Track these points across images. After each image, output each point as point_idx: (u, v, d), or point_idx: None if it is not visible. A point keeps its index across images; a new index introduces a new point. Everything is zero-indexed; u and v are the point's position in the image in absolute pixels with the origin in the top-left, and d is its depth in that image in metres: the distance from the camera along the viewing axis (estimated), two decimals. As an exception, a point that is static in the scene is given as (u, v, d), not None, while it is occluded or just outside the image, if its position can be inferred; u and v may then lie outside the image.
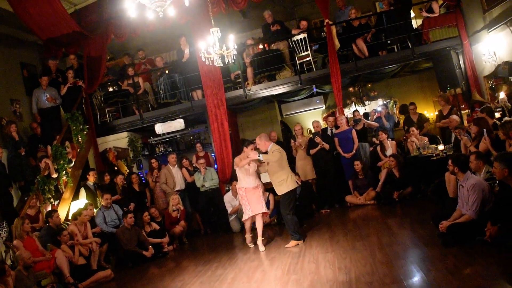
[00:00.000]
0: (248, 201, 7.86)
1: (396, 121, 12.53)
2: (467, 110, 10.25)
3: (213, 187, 10.38)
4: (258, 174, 8.11)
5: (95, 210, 9.61)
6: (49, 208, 9.31)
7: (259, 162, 7.81)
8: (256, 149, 7.83)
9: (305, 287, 5.27)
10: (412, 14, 12.29)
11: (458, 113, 9.83)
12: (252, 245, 7.99)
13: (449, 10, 11.07)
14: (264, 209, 7.92)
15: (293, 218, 7.58)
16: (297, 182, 7.77)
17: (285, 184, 7.55)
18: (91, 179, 10.29)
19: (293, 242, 7.44)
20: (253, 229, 8.30)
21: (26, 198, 9.40)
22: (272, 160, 7.52)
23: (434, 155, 8.66)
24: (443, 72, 10.67)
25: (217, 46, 8.46)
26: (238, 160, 7.89)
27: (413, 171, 9.27)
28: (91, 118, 11.73)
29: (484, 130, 7.07)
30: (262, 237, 7.82)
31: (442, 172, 7.36)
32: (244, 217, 8.01)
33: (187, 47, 11.97)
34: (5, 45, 11.28)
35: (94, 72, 11.86)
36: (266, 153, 7.65)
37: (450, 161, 6.03)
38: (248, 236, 8.22)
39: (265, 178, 8.95)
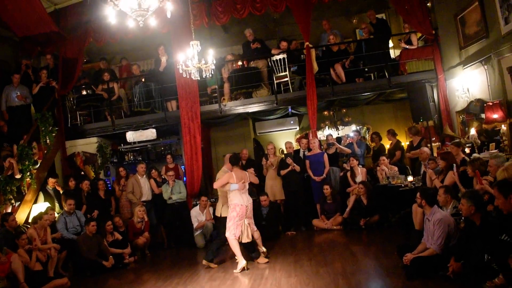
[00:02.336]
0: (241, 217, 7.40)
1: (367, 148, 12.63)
2: (437, 143, 10.40)
3: (180, 200, 10.25)
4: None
5: (56, 215, 9.36)
6: (9, 209, 9.03)
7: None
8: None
9: (265, 311, 5.19)
10: (391, 44, 12.50)
11: (429, 145, 9.95)
12: (238, 271, 7.18)
13: (427, 43, 11.31)
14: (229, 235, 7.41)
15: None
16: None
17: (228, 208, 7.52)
18: (51, 184, 10.04)
19: (241, 264, 7.23)
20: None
21: (-15, 198, 9.10)
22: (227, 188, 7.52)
23: (402, 185, 8.73)
24: (417, 104, 10.83)
25: (196, 59, 8.40)
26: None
27: (381, 200, 9.31)
28: (61, 120, 11.49)
29: (454, 165, 7.16)
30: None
31: (409, 203, 7.39)
32: (235, 235, 7.39)
33: (165, 56, 11.88)
34: (-22, 39, 11.02)
35: (69, 74, 11.65)
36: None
37: (418, 194, 6.06)
38: (240, 262, 7.27)
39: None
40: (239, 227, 7.36)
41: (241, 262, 7.22)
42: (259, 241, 7.74)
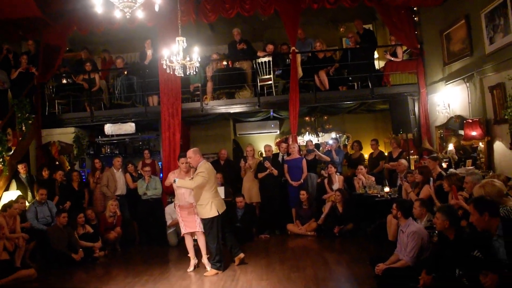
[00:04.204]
0: (182, 218, 7.50)
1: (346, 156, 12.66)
2: (415, 156, 10.48)
3: (155, 197, 10.12)
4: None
5: (27, 204, 9.17)
6: (-21, 195, 8.83)
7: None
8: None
9: (234, 314, 5.14)
10: (376, 55, 12.57)
11: (407, 157, 10.03)
12: (191, 269, 7.35)
13: (412, 57, 11.42)
14: (198, 229, 7.34)
15: (217, 246, 7.06)
16: (217, 212, 7.07)
17: (204, 208, 7.03)
18: (22, 171, 9.84)
19: (212, 271, 7.04)
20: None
21: (-45, 182, 8.87)
22: (188, 187, 7.08)
23: (379, 195, 8.77)
24: (397, 116, 10.93)
25: (180, 55, 8.31)
26: (169, 175, 7.66)
27: (357, 209, 9.35)
28: (39, 108, 11.20)
29: (431, 178, 7.22)
30: (207, 254, 7.32)
31: (384, 213, 7.45)
32: (182, 232, 7.69)
33: (151, 50, 11.76)
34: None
35: (50, 62, 11.38)
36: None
37: (394, 205, 6.07)
38: (192, 260, 7.48)
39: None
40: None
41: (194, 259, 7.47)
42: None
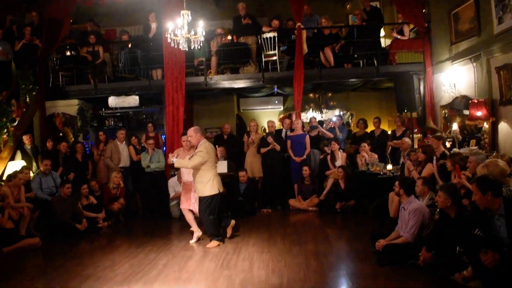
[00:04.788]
0: (182, 194, 7.76)
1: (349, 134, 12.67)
2: (419, 135, 10.49)
3: (159, 170, 10.17)
4: None
5: (32, 174, 9.24)
6: (-16, 165, 8.90)
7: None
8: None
9: (236, 285, 5.22)
10: (382, 33, 12.47)
11: (411, 136, 10.03)
12: (194, 241, 7.39)
13: (418, 36, 11.33)
14: (192, 207, 7.46)
15: (212, 220, 7.11)
16: (218, 190, 7.14)
17: (204, 186, 7.02)
18: (27, 142, 9.90)
19: (214, 243, 7.08)
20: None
21: (-41, 151, 8.93)
22: (186, 167, 7.14)
23: (381, 173, 8.80)
24: (402, 95, 10.85)
25: (185, 29, 8.25)
26: (169, 155, 7.64)
27: (359, 186, 9.40)
28: (42, 80, 11.17)
29: (434, 157, 7.24)
30: (197, 230, 7.50)
31: (386, 191, 7.48)
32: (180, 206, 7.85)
33: (155, 23, 11.68)
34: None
35: (54, 34, 11.29)
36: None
37: (397, 183, 6.11)
38: (196, 233, 7.50)
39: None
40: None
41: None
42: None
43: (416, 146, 9.80)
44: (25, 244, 7.47)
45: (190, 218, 7.59)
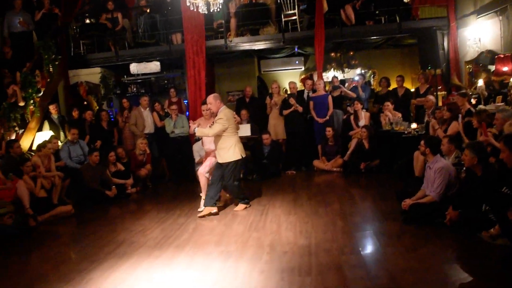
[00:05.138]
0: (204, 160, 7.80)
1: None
2: (443, 92, 10.35)
3: (183, 135, 10.26)
4: None
5: (60, 144, 9.44)
6: (13, 137, 9.11)
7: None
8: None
9: (264, 246, 5.34)
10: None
11: (435, 93, 9.91)
12: (201, 209, 7.25)
13: (442, -11, 11.02)
14: (202, 169, 7.54)
15: (238, 184, 7.23)
16: (241, 155, 7.13)
17: (227, 152, 7.01)
18: (54, 112, 10.08)
19: (242, 206, 7.23)
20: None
21: (-11, 123, 9.14)
22: (207, 135, 7.12)
23: (405, 132, 8.76)
24: (426, 51, 10.70)
25: (204, -8, 8.16)
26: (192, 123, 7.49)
27: (383, 145, 9.37)
28: (64, 49, 11.26)
29: (459, 115, 7.17)
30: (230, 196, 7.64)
31: (411, 150, 7.47)
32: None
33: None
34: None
35: (72, 1, 11.33)
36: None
37: (422, 142, 6.08)
38: (202, 196, 7.46)
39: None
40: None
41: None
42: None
43: (440, 103, 9.71)
44: (58, 212, 7.71)
45: (203, 183, 7.51)
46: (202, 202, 7.30)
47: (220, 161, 7.11)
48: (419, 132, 8.45)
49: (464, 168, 5.62)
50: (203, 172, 7.52)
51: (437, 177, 5.72)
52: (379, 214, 6.40)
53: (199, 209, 7.25)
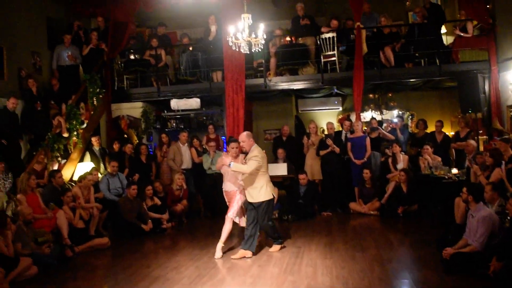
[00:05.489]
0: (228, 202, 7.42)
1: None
2: (484, 137, 10.17)
3: (219, 172, 10.31)
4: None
5: (100, 176, 9.63)
6: (56, 167, 9.37)
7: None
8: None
9: (300, 291, 5.27)
10: (443, 30, 12.16)
11: (475, 138, 9.74)
12: (219, 255, 6.97)
13: (483, 33, 10.95)
14: (231, 217, 7.20)
15: (272, 224, 7.10)
16: (273, 195, 6.97)
17: (259, 192, 6.84)
18: (95, 144, 10.34)
19: (276, 246, 7.11)
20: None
21: (34, 153, 9.45)
22: (244, 171, 6.76)
23: (446, 177, 8.58)
24: (466, 94, 10.58)
25: (246, 32, 8.36)
26: (220, 160, 7.36)
27: (422, 190, 9.20)
28: (108, 83, 11.68)
29: (503, 161, 7.01)
30: (223, 244, 7.11)
31: (451, 195, 7.32)
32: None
33: (215, 26, 11.89)
34: (34, -3, 11.22)
35: (118, 38, 11.79)
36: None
37: (465, 189, 5.95)
38: (219, 244, 7.11)
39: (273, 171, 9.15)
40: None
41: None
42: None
43: (481, 148, 9.51)
44: (95, 243, 7.81)
45: (227, 229, 7.16)
46: (219, 247, 7.03)
47: (251, 200, 6.92)
48: (460, 178, 8.28)
49: (509, 217, 5.47)
50: (231, 217, 7.20)
51: (480, 226, 5.56)
52: (418, 261, 6.25)
53: (216, 256, 6.92)
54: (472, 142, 8.96)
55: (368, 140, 10.20)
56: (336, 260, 6.41)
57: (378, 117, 13.30)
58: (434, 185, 8.85)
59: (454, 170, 8.58)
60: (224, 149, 11.43)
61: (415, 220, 8.89)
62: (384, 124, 12.38)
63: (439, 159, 9.50)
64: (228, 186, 7.43)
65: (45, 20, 11.65)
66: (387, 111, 13.85)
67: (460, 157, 9.60)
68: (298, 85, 11.55)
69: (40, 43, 11.37)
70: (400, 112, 13.81)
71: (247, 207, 7.16)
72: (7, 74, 9.86)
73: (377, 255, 6.56)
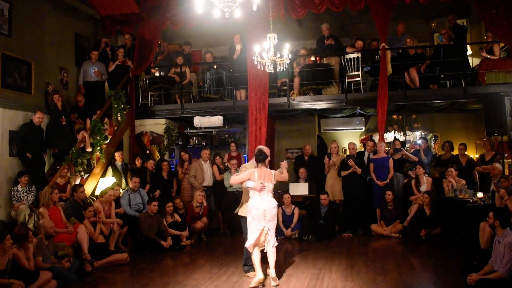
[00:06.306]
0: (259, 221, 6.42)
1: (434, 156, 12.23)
2: (510, 160, 9.97)
3: (240, 190, 10.20)
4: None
5: (121, 191, 9.68)
6: (78, 181, 9.45)
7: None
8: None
9: (320, 313, 5.17)
10: (469, 51, 12.03)
11: (501, 161, 9.55)
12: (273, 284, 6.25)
13: (510, 55, 10.81)
14: (251, 245, 6.47)
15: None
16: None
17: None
18: (118, 159, 10.41)
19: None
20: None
21: (58, 167, 9.55)
22: (285, 179, 6.80)
23: (471, 201, 8.39)
24: (492, 117, 10.40)
25: (271, 52, 8.39)
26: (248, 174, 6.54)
27: (445, 213, 9.03)
28: (133, 99, 11.78)
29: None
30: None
31: (476, 220, 7.16)
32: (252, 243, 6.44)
33: (239, 45, 11.97)
34: (64, 14, 11.42)
35: (144, 55, 11.91)
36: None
37: (491, 214, 5.82)
38: (258, 275, 6.27)
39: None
40: (256, 232, 6.38)
41: (258, 275, 6.27)
42: (271, 261, 6.39)
43: (506, 172, 9.32)
44: (114, 259, 7.81)
45: (257, 259, 6.41)
46: (272, 274, 6.33)
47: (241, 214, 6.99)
48: (485, 202, 8.09)
49: (537, 244, 5.31)
50: (252, 245, 6.45)
51: (507, 252, 5.43)
52: (442, 286, 6.10)
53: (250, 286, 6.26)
54: (498, 165, 8.79)
55: (391, 161, 10.08)
56: (357, 283, 6.30)
57: (401, 138, 13.16)
58: (458, 208, 8.65)
59: (480, 194, 8.39)
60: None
61: (438, 244, 8.71)
62: (407, 145, 12.23)
63: (464, 182, 9.32)
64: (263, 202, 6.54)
65: (73, 36, 11.86)
66: (411, 133, 13.70)
67: (484, 180, 9.39)
68: (321, 105, 11.49)
69: (68, 59, 11.57)
70: (423, 134, 13.66)
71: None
72: (35, 88, 10.03)
73: (399, 279, 6.43)
